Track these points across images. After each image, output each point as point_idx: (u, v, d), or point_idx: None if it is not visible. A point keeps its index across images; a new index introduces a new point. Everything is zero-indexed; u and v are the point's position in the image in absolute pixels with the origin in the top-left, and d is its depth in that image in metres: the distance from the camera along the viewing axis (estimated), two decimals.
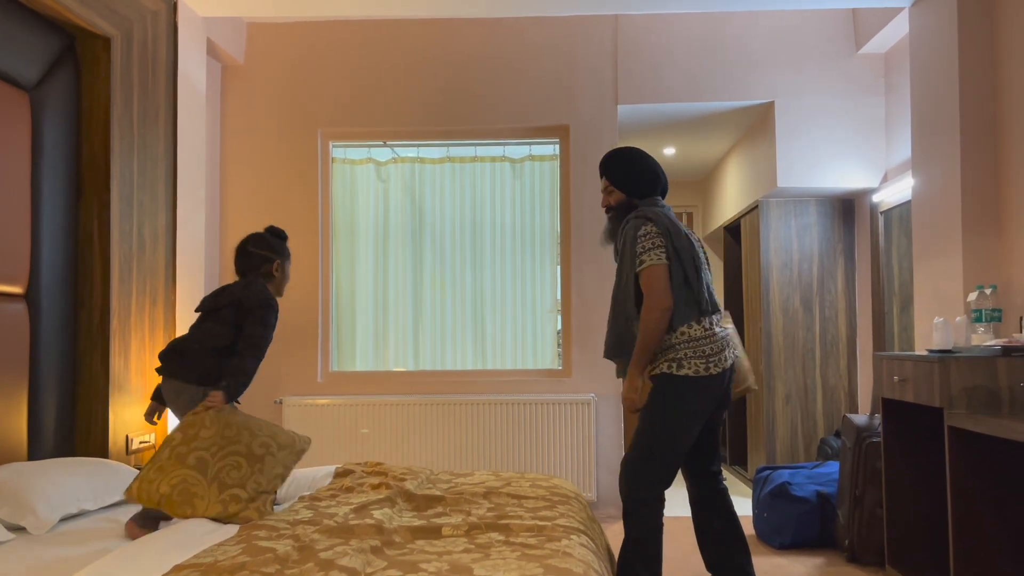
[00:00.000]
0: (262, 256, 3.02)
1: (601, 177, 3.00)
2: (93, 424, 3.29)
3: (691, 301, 2.73)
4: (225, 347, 2.86)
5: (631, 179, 2.91)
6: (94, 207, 3.33)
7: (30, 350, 3.04)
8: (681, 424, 2.71)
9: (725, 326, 2.88)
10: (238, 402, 2.86)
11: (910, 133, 4.25)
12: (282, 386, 4.79)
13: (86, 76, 3.35)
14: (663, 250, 2.69)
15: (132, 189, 3.47)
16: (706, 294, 2.78)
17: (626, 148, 2.97)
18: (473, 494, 2.64)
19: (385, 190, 5.01)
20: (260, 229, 4.80)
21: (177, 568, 1.76)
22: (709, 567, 2.99)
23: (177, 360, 2.90)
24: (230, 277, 4.81)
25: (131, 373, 3.45)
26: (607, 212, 2.99)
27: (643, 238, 2.71)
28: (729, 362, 2.79)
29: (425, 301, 4.95)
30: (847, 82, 4.74)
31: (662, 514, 2.76)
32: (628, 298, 2.77)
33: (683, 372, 2.69)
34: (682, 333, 2.72)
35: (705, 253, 2.99)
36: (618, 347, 2.82)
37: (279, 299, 3.20)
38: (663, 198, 2.96)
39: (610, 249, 4.71)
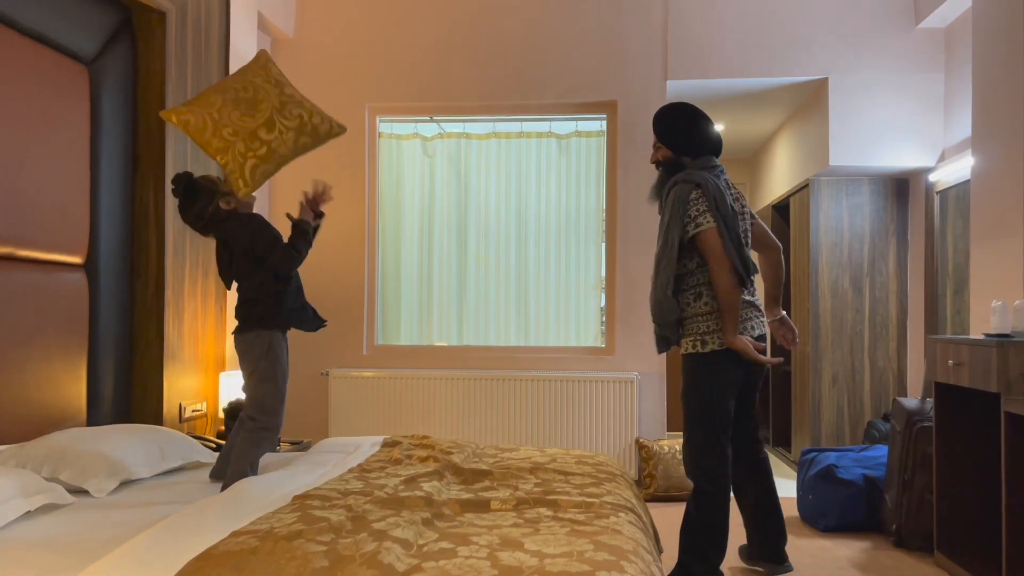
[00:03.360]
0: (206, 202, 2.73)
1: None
2: (148, 392, 3.38)
3: (737, 270, 2.80)
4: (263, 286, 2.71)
5: (676, 136, 2.91)
6: (150, 180, 3.39)
7: (89, 318, 3.12)
8: (717, 397, 2.82)
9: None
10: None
11: (970, 111, 4.12)
12: (329, 358, 4.86)
13: (142, 50, 3.40)
14: (711, 214, 2.74)
15: (186, 162, 3.53)
16: (750, 261, 2.84)
17: (677, 104, 2.95)
18: (520, 469, 2.66)
19: (431, 165, 5.02)
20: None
21: (236, 533, 1.80)
22: (747, 544, 3.04)
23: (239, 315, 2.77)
24: None
25: (184, 342, 3.52)
26: (656, 167, 3.02)
27: (694, 202, 2.75)
28: (758, 331, 2.85)
29: (469, 276, 4.97)
30: (905, 58, 4.61)
31: (729, 493, 2.87)
32: (671, 260, 2.81)
33: (708, 348, 2.81)
34: (706, 304, 2.81)
35: (752, 217, 3.05)
36: (658, 314, 2.88)
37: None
38: (716, 157, 2.96)
39: (655, 228, 4.68)
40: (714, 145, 2.95)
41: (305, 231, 2.75)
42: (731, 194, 2.92)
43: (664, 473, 4.41)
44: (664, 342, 2.93)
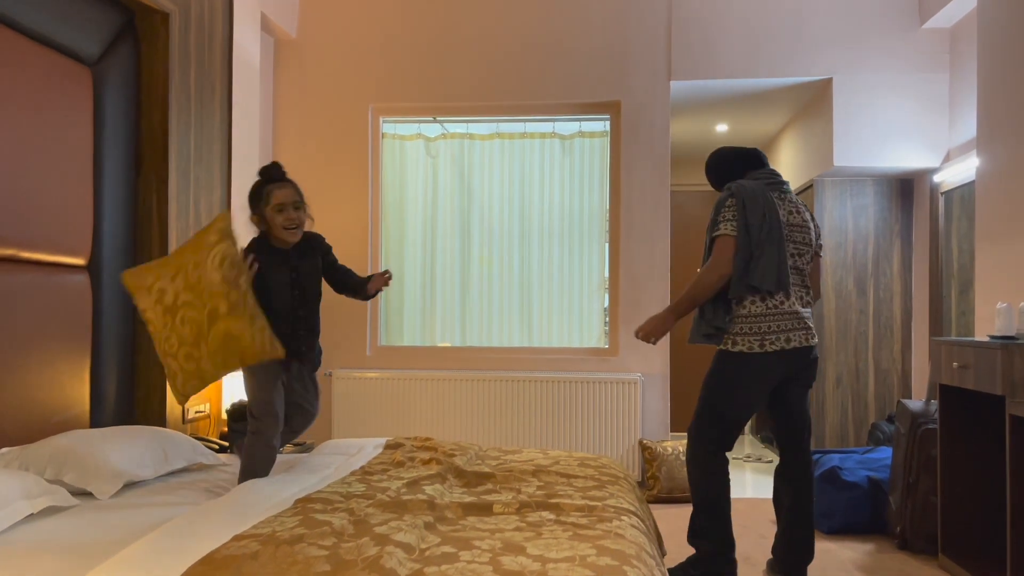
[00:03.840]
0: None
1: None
2: (152, 393, 3.38)
3: (748, 279, 2.85)
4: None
5: (714, 175, 3.15)
6: (153, 181, 3.39)
7: (92, 320, 3.13)
8: (734, 397, 2.92)
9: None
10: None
11: (975, 111, 4.11)
12: (332, 359, 4.86)
13: (145, 51, 3.40)
14: (735, 223, 2.86)
15: (189, 164, 3.53)
16: (775, 271, 2.84)
17: (711, 156, 3.17)
18: (522, 472, 2.66)
19: (434, 166, 5.02)
20: (310, 203, 4.86)
21: (237, 537, 1.80)
22: (774, 550, 3.10)
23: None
24: None
25: None
26: None
27: (725, 208, 2.90)
28: (794, 343, 2.85)
29: (472, 277, 4.96)
30: (910, 58, 4.60)
31: (726, 475, 2.97)
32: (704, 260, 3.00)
33: (737, 349, 2.89)
34: (743, 307, 2.90)
35: (816, 228, 3.11)
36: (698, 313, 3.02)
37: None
38: (759, 168, 3.08)
39: (659, 228, 4.68)
40: (752, 161, 3.09)
41: (355, 289, 2.85)
42: (789, 206, 2.99)
43: (668, 475, 4.41)
44: (696, 335, 3.04)
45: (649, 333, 2.93)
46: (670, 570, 2.98)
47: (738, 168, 3.09)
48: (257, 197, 2.67)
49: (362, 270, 4.86)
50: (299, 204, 2.68)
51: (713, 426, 2.94)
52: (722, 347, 2.93)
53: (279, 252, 2.70)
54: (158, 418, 3.37)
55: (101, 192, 3.16)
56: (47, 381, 2.88)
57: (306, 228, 2.73)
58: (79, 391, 3.05)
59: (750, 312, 2.87)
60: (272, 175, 2.70)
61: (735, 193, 2.90)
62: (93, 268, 3.14)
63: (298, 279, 2.71)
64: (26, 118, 2.78)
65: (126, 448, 2.62)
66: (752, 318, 2.87)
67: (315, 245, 2.80)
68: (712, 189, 3.25)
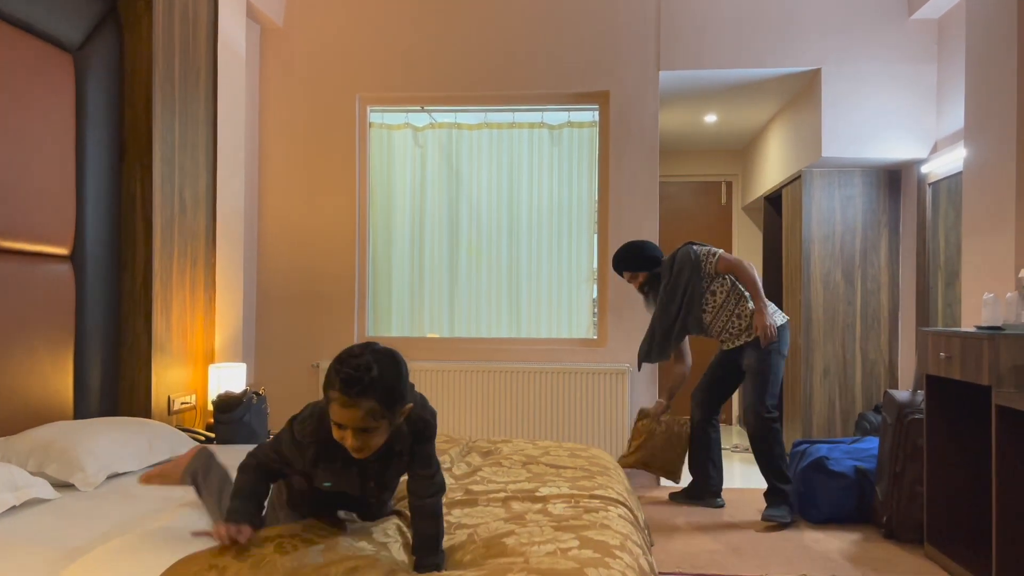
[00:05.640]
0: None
1: (621, 273, 4.16)
2: (136, 384, 3.35)
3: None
4: None
5: (644, 262, 4.09)
6: (136, 170, 3.35)
7: (76, 310, 3.09)
8: (782, 363, 4.01)
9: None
10: None
11: (963, 102, 4.11)
12: (319, 350, 4.83)
13: (128, 38, 3.35)
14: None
15: (173, 152, 3.49)
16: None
17: (630, 245, 4.12)
18: (512, 463, 2.65)
19: (422, 156, 4.99)
20: (296, 193, 4.83)
21: None
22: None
23: None
24: (268, 241, 4.85)
25: (173, 334, 3.50)
26: (641, 290, 4.15)
27: (699, 251, 4.00)
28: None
29: (461, 267, 4.94)
30: (898, 49, 4.60)
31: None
32: (697, 303, 4.01)
33: (780, 323, 4.00)
34: (748, 303, 4.01)
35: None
36: (657, 352, 4.14)
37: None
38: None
39: (648, 219, 4.67)
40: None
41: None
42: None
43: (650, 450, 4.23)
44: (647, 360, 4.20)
45: (771, 333, 3.84)
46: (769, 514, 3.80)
47: (659, 257, 4.13)
48: (326, 387, 1.67)
49: (350, 261, 4.83)
50: (368, 428, 1.65)
51: (772, 396, 3.88)
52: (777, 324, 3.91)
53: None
54: (143, 409, 3.34)
55: (84, 181, 3.12)
56: (29, 372, 2.85)
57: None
58: (63, 382, 3.02)
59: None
60: (344, 385, 1.61)
61: (691, 245, 4.09)
62: (76, 258, 3.10)
63: (369, 473, 1.82)
64: (6, 105, 2.74)
65: (110, 440, 2.60)
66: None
67: (401, 444, 1.80)
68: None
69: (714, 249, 4.01)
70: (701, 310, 4.01)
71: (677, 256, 4.03)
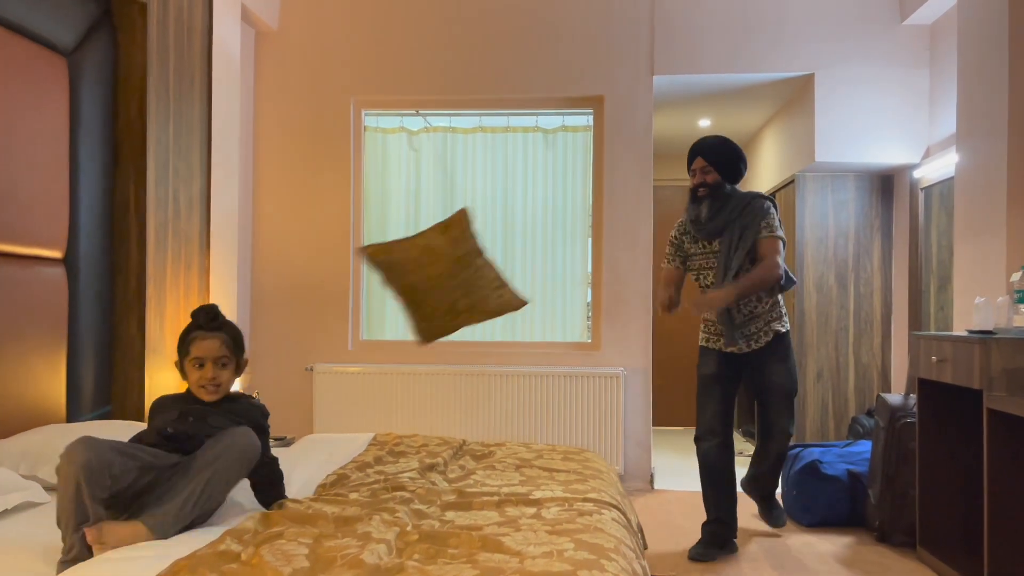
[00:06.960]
0: None
1: (696, 157, 3.43)
2: (129, 388, 3.34)
3: (790, 275, 3.42)
4: None
5: (735, 166, 3.41)
6: (130, 173, 3.35)
7: (68, 314, 3.08)
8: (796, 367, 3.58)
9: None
10: None
11: (955, 108, 4.14)
12: (313, 353, 4.83)
13: (123, 41, 3.35)
14: (782, 230, 3.37)
15: (168, 155, 3.49)
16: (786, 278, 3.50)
17: (728, 140, 3.46)
18: (505, 466, 2.65)
19: (417, 159, 4.99)
20: (291, 197, 4.82)
21: (219, 536, 1.78)
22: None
23: None
24: (263, 244, 4.84)
25: (166, 338, 3.49)
26: (699, 189, 3.42)
27: (774, 218, 3.34)
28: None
29: None
30: (890, 54, 4.62)
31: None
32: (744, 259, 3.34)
33: (786, 329, 3.49)
34: (773, 298, 3.44)
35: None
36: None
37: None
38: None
39: (642, 223, 4.67)
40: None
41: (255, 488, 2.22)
42: None
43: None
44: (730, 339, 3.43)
45: (710, 302, 3.21)
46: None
47: (742, 174, 3.48)
48: (181, 344, 2.16)
49: (345, 265, 4.83)
50: (226, 361, 2.11)
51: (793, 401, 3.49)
52: (781, 330, 3.43)
53: (197, 402, 2.15)
54: (136, 413, 3.33)
55: (77, 184, 3.11)
56: (22, 376, 2.84)
57: (243, 389, 2.37)
58: (55, 385, 3.01)
59: (778, 301, 3.45)
60: (200, 321, 2.15)
61: (774, 204, 3.41)
62: (70, 261, 3.10)
63: (187, 437, 2.07)
64: None
65: None
66: (779, 306, 3.46)
67: (242, 414, 2.16)
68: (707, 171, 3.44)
69: (781, 233, 3.33)
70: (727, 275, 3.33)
71: (752, 199, 3.36)
